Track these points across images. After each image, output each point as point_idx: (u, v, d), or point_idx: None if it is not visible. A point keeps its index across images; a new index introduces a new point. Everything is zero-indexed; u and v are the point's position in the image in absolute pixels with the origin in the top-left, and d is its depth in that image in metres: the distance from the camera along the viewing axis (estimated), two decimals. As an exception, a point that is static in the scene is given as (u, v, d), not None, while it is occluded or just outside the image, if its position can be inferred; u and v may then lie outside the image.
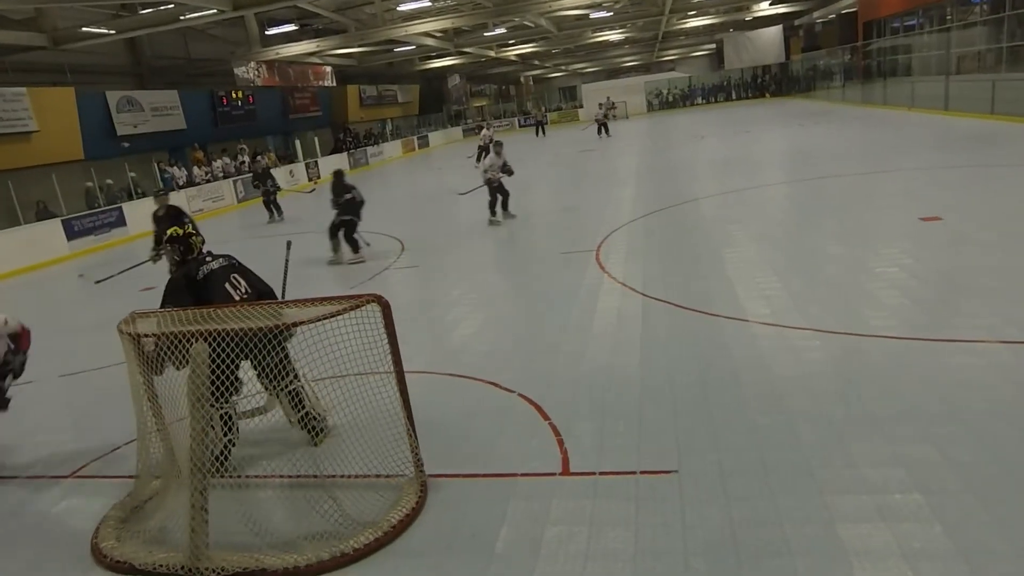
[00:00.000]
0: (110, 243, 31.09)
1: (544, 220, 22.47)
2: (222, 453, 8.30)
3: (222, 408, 8.11)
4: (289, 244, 10.73)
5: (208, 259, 8.74)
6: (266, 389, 8.62)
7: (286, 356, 8.15)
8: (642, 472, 7.34)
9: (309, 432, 8.75)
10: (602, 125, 53.86)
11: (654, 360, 10.11)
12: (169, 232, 8.88)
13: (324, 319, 6.97)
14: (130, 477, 8.31)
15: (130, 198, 34.33)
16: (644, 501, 6.87)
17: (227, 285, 8.52)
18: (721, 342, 10.43)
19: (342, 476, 7.77)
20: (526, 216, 23.07)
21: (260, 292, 8.77)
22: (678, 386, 9.17)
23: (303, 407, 8.70)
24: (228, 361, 7.08)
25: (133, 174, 35.64)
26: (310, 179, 48.34)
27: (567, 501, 7.06)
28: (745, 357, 9.78)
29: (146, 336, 7.14)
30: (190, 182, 39.22)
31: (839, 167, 24.69)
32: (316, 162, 50.49)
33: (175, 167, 39.00)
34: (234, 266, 8.78)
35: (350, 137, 60.51)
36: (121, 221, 32.24)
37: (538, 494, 7.24)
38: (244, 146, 45.98)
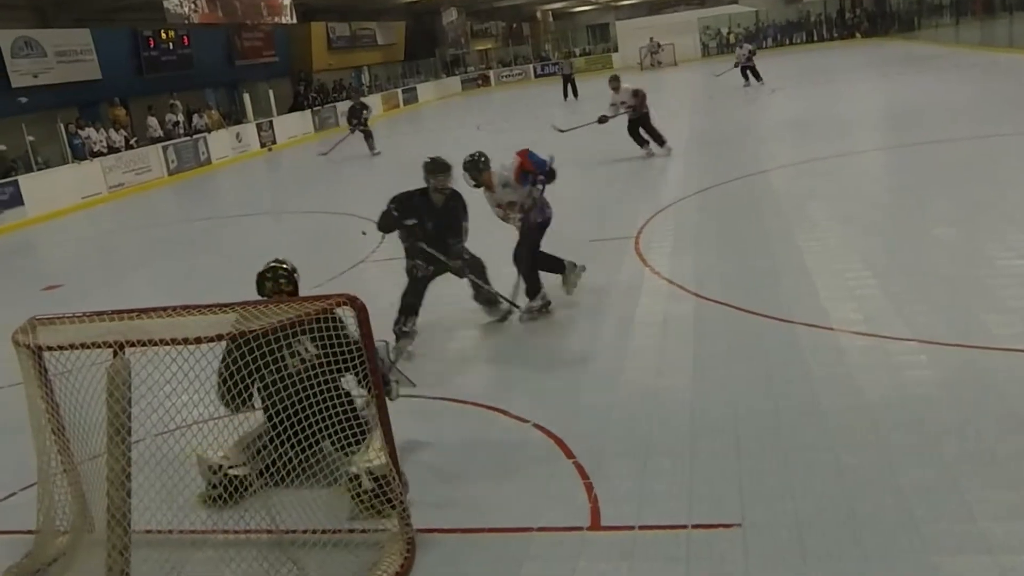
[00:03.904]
0: (3, 228, 31.08)
1: (567, 197, 22.49)
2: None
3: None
4: (393, 347, 10.33)
5: None
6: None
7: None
8: (695, 526, 7.28)
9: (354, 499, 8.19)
10: (748, 69, 48.36)
11: (710, 381, 10.13)
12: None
13: (282, 327, 6.96)
14: (29, 532, 8.20)
15: (28, 169, 34.26)
16: (697, 562, 6.82)
17: None
18: (798, 357, 10.42)
19: (306, 531, 7.64)
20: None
21: None
22: (742, 414, 9.16)
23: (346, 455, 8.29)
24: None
25: (32, 138, 35.16)
26: (263, 144, 48.34)
27: (597, 563, 7.00)
28: (829, 377, 9.76)
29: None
30: (110, 148, 38.97)
31: (952, 129, 24.71)
32: (271, 122, 50.70)
33: (89, 128, 38.54)
34: None
35: (314, 91, 60.38)
36: (17, 199, 32.20)
37: (560, 554, 7.19)
38: (177, 102, 45.87)
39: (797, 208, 17.61)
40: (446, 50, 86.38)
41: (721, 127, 32.43)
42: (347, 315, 7.41)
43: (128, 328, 7.16)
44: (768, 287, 12.95)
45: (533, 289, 13.10)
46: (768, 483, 7.78)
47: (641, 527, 7.36)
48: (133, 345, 6.71)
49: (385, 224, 12.35)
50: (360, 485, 8.03)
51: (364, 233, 20.70)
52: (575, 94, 56.46)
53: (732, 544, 6.95)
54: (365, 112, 38.10)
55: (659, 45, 76.12)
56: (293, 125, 53.26)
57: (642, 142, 26.99)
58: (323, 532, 7.55)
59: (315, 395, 7.76)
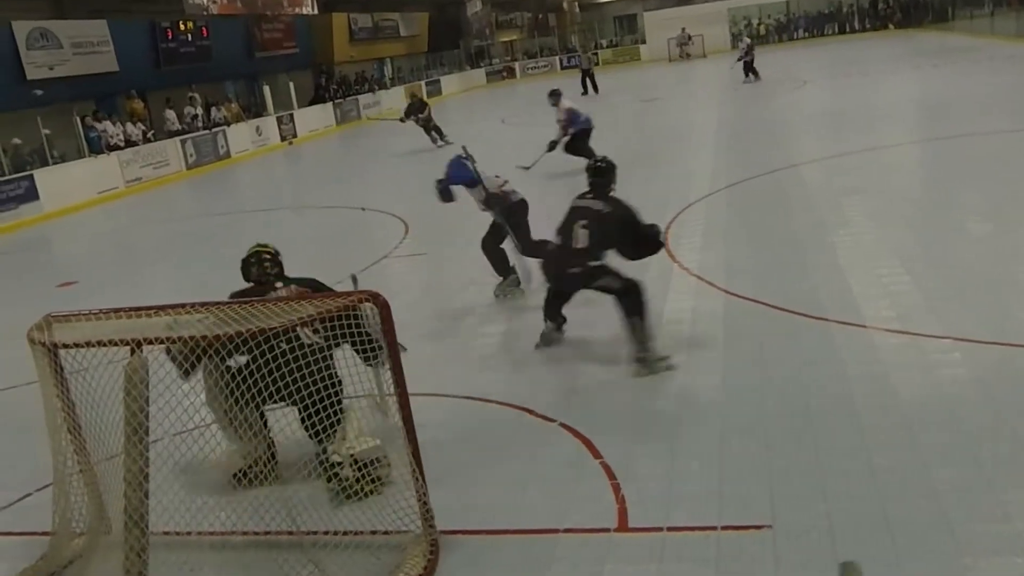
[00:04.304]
0: (18, 223, 31.11)
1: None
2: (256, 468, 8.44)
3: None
4: (355, 279, 10.96)
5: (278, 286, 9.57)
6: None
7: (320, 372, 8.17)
8: (724, 527, 7.28)
9: (330, 484, 8.55)
10: (746, 65, 48.04)
11: (740, 379, 10.11)
12: None
13: (301, 324, 6.95)
14: (44, 534, 8.22)
15: (44, 163, 34.28)
16: (727, 564, 6.82)
17: None
18: (830, 355, 10.39)
19: (326, 533, 7.64)
20: (568, 186, 23.06)
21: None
22: (772, 414, 9.14)
23: (322, 443, 8.50)
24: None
25: (48, 131, 35.09)
26: (283, 138, 48.33)
27: (625, 566, 7.00)
28: (862, 375, 9.73)
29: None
30: (127, 141, 38.86)
31: (987, 122, 24.58)
32: (292, 115, 50.71)
33: (105, 121, 38.46)
34: None
35: (335, 83, 60.37)
36: (32, 194, 32.20)
37: (586, 556, 7.18)
38: (195, 95, 45.88)
39: (829, 203, 17.55)
40: (470, 41, 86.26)
41: (751, 120, 32.38)
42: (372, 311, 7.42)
43: (146, 325, 7.16)
44: (799, 283, 12.91)
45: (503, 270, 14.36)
46: (799, 484, 7.76)
47: (669, 528, 7.34)
48: (151, 343, 6.71)
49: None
50: (341, 472, 8.35)
51: (363, 209, 20.96)
52: (595, 89, 54.53)
53: (762, 546, 6.93)
54: (424, 113, 37.61)
55: (690, 36, 75.97)
56: (314, 118, 53.17)
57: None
58: (344, 534, 7.54)
59: (319, 380, 7.85)
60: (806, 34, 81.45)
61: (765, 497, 7.61)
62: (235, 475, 8.52)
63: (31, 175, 32.39)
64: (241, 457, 8.65)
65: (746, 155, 24.31)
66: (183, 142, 41.04)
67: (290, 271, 9.61)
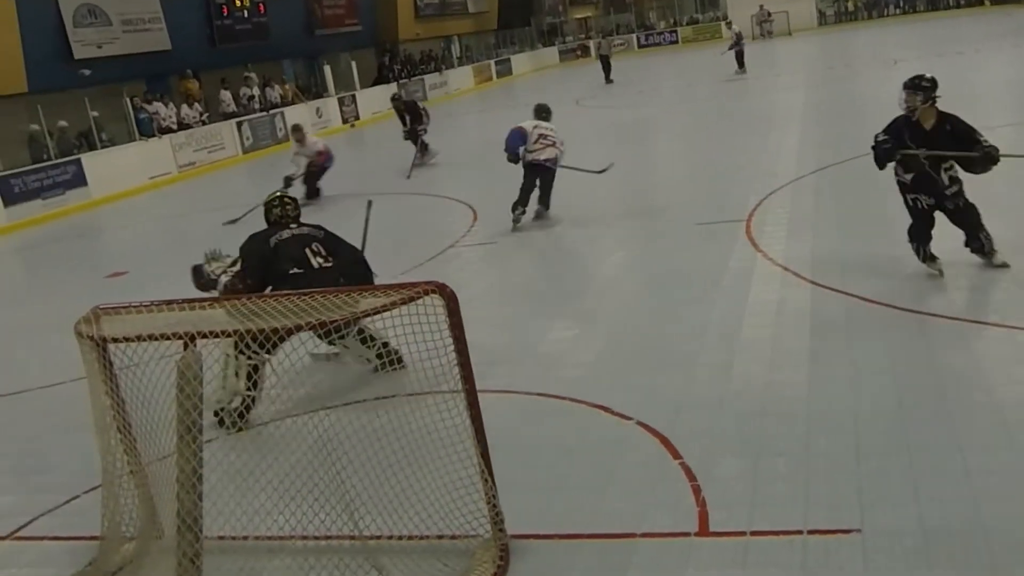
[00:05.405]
0: (65, 210, 31.41)
1: (672, 177, 22.33)
2: (239, 408, 9.51)
3: (251, 359, 9.13)
4: (370, 204, 12.98)
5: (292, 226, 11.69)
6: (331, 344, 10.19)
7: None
8: (811, 532, 7.23)
9: (391, 362, 10.19)
10: (740, 55, 48.88)
11: (829, 376, 10.03)
12: None
13: (363, 317, 6.96)
14: (93, 539, 8.26)
15: (92, 148, 34.52)
16: (813, 570, 6.78)
17: (306, 251, 11.23)
18: (924, 351, 10.33)
19: (391, 537, 7.69)
20: (646, 173, 22.95)
21: (343, 264, 11.37)
22: (863, 412, 9.06)
23: (375, 339, 10.60)
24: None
25: (96, 113, 35.35)
26: (345, 120, 48.35)
27: (706, 571, 6.98)
28: (959, 372, 9.67)
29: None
30: (180, 124, 39.06)
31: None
32: (354, 96, 50.92)
33: (157, 103, 38.69)
34: (314, 236, 11.54)
35: (399, 62, 60.31)
36: (80, 179, 32.50)
37: (666, 562, 7.17)
38: (252, 75, 45.92)
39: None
40: (542, 19, 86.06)
41: (839, 101, 32.15)
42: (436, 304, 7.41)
43: (199, 318, 7.18)
44: (890, 274, 12.79)
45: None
46: (890, 486, 7.70)
47: (753, 533, 7.31)
48: (205, 337, 6.74)
49: (882, 157, 12.63)
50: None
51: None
52: (609, 77, 55.21)
53: (851, 552, 6.89)
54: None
55: (769, 13, 75.39)
56: (377, 99, 52.53)
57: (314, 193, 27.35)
58: (409, 538, 7.57)
59: None
60: (897, 10, 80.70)
61: (854, 499, 7.56)
62: (218, 410, 9.77)
63: (78, 159, 32.64)
64: (232, 394, 9.79)
65: (835, 138, 24.15)
66: (239, 125, 41.30)
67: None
